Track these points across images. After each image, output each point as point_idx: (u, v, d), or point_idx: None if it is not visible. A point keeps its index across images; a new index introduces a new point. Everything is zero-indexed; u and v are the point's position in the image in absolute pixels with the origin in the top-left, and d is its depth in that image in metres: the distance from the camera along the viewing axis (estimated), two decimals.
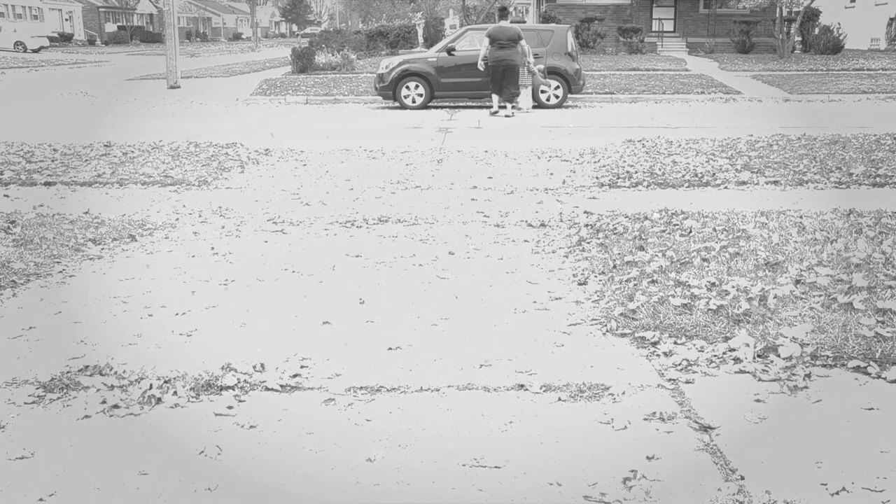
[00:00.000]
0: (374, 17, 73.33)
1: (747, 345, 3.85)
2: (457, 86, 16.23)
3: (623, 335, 4.12)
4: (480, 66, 15.07)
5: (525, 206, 7.19)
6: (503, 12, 15.73)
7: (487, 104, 16.12)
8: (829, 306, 4.34)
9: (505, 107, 15.12)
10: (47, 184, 8.30)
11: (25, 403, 3.42)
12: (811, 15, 32.69)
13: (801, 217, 6.37)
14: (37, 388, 3.54)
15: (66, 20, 67.52)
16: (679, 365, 3.74)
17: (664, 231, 6.01)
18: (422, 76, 16.32)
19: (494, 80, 15.02)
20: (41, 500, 2.73)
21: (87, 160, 9.51)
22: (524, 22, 40.42)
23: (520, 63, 14.91)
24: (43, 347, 4.05)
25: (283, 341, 4.09)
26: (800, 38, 32.89)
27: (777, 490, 2.73)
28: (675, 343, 3.98)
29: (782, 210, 6.69)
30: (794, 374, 3.60)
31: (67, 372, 3.69)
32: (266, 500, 2.72)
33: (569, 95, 16.55)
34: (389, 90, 16.44)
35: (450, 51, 16.30)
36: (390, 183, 8.32)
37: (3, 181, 8.38)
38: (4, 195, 7.78)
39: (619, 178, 8.21)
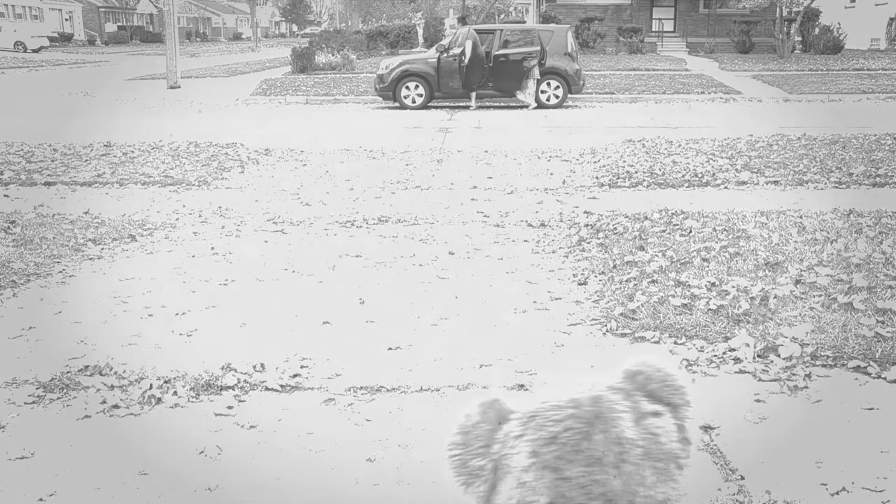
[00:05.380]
0: (374, 18, 73.32)
1: (747, 345, 3.85)
2: (457, 86, 16.23)
3: (623, 335, 4.11)
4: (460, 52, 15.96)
5: (525, 206, 7.18)
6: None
7: (487, 104, 16.13)
8: (829, 306, 4.34)
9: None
10: (47, 184, 8.30)
11: (25, 403, 3.41)
12: (811, 15, 32.67)
13: (801, 217, 6.36)
14: (37, 388, 3.54)
15: (66, 20, 67.49)
16: (679, 365, 3.74)
17: (664, 231, 6.00)
18: (422, 76, 16.32)
19: (476, 79, 15.90)
20: (41, 500, 2.72)
21: (87, 160, 9.51)
22: (524, 22, 40.41)
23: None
24: (43, 347, 4.05)
25: (283, 341, 4.09)
26: (800, 38, 32.88)
27: (777, 490, 2.73)
28: (675, 343, 3.98)
29: (782, 210, 6.69)
30: (794, 374, 3.60)
31: (67, 372, 3.68)
32: (266, 500, 2.72)
33: (569, 95, 16.55)
34: (389, 90, 16.43)
35: (450, 51, 16.31)
36: (390, 183, 8.32)
37: (3, 181, 8.37)
38: (4, 195, 7.78)
39: (619, 178, 8.20)
